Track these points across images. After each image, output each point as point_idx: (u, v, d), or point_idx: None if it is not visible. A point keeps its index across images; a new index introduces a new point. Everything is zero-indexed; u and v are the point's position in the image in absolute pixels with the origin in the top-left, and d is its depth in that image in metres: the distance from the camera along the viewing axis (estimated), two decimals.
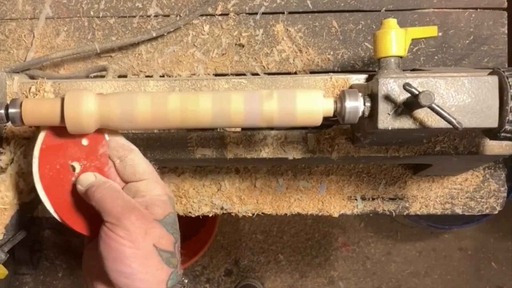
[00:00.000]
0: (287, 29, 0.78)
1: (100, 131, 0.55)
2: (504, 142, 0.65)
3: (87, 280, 0.55)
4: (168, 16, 0.79)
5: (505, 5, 0.77)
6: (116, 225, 0.49)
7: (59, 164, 0.55)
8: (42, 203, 0.56)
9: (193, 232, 1.83)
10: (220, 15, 0.78)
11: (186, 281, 0.53)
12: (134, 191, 0.54)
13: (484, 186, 0.83)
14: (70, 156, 0.55)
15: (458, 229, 1.87)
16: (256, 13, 0.78)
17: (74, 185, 0.55)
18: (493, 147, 0.66)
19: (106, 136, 0.55)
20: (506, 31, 0.77)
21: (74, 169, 0.55)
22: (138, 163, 0.55)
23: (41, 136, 0.55)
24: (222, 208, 0.84)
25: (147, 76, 0.79)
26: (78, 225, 0.56)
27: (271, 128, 0.68)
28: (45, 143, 0.55)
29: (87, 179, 0.54)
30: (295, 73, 0.78)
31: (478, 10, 0.77)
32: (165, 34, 0.77)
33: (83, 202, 0.54)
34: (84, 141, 0.55)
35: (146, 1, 0.79)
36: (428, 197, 0.84)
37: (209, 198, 0.84)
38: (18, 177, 0.63)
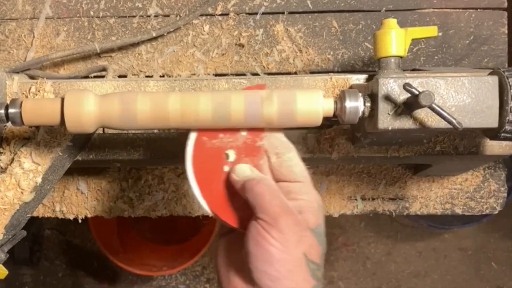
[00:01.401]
0: (287, 29, 0.78)
1: None
2: (504, 142, 0.65)
3: (222, 271, 0.53)
4: (168, 16, 0.79)
5: (505, 5, 0.77)
6: (271, 225, 0.47)
7: (214, 149, 0.54)
8: (190, 186, 0.54)
9: (193, 232, 1.83)
10: (220, 15, 0.78)
11: None
12: (285, 191, 0.51)
13: (484, 186, 0.83)
14: (227, 143, 0.54)
15: (458, 229, 1.87)
16: (256, 13, 0.78)
17: (224, 173, 0.53)
18: (493, 147, 0.66)
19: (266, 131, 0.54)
20: (506, 31, 0.77)
21: (228, 157, 0.54)
22: (296, 163, 0.53)
23: None
24: None
25: (147, 76, 0.79)
26: (224, 213, 0.54)
27: (271, 128, 0.68)
28: None
29: (243, 170, 0.52)
30: (295, 73, 0.78)
31: (478, 10, 0.77)
32: (165, 34, 0.77)
33: (231, 192, 0.53)
34: (243, 132, 0.54)
35: (146, 1, 0.79)
36: (428, 197, 0.84)
37: None
38: (18, 177, 0.63)
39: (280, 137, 0.54)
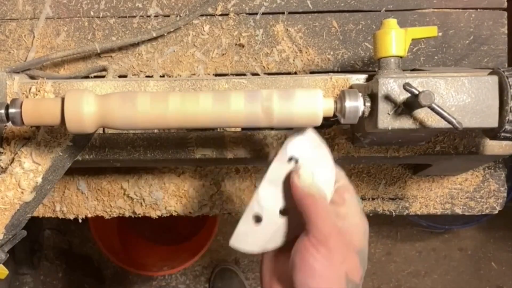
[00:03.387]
0: (287, 29, 0.78)
1: None
2: (504, 142, 0.65)
3: (265, 279, 0.55)
4: (168, 16, 0.79)
5: (505, 5, 0.77)
6: (320, 242, 0.49)
7: None
8: None
9: (193, 232, 1.83)
10: (220, 15, 0.78)
11: None
12: (334, 212, 0.53)
13: (484, 186, 0.83)
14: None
15: (458, 229, 1.88)
16: (256, 13, 0.78)
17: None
18: (493, 147, 0.66)
19: None
20: (506, 31, 0.77)
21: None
22: (347, 186, 0.55)
23: None
24: (222, 208, 0.84)
25: (147, 76, 0.79)
26: None
27: (271, 128, 0.68)
28: None
29: (306, 176, 0.52)
30: (295, 73, 0.78)
31: (478, 10, 0.77)
32: (165, 34, 0.78)
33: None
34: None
35: (146, 1, 0.79)
36: (428, 197, 0.84)
37: (209, 198, 0.84)
38: (19, 177, 0.63)
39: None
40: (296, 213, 0.52)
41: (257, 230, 0.54)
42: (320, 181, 0.53)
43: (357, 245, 0.52)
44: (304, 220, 0.51)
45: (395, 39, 0.56)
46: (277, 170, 0.54)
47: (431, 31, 0.60)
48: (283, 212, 0.54)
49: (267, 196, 0.54)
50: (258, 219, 0.54)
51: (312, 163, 0.53)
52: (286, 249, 0.53)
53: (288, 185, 0.53)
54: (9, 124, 0.55)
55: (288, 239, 0.54)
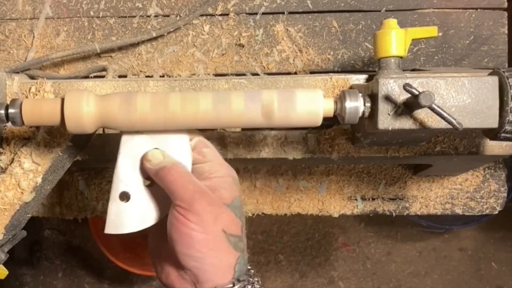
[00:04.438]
0: (287, 29, 0.78)
1: None
2: (504, 143, 0.65)
3: (155, 262, 0.55)
4: (168, 16, 0.79)
5: (505, 5, 0.77)
6: (187, 210, 0.49)
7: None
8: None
9: None
10: (220, 15, 0.78)
11: (251, 270, 0.53)
12: (199, 172, 0.54)
13: (484, 186, 0.83)
14: None
15: (458, 229, 1.88)
16: (256, 13, 0.78)
17: None
18: (493, 147, 0.66)
19: None
20: (506, 31, 0.77)
21: None
22: (202, 140, 0.55)
23: None
24: None
25: (147, 76, 0.79)
26: None
27: (271, 128, 0.68)
28: None
29: (155, 157, 0.53)
30: (295, 73, 0.78)
31: (478, 10, 0.77)
32: (165, 34, 0.77)
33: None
34: None
35: (146, 1, 0.79)
36: (428, 197, 0.84)
37: None
38: (18, 177, 0.63)
39: None
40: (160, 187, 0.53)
41: (129, 208, 0.53)
42: (174, 152, 0.53)
43: (227, 198, 0.52)
44: (167, 193, 0.51)
45: (395, 39, 0.56)
46: (128, 143, 0.54)
47: (431, 31, 0.60)
48: (148, 185, 0.54)
49: (128, 171, 0.54)
50: (126, 196, 0.54)
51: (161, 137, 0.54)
52: (161, 227, 0.53)
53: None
54: (9, 124, 0.54)
55: (164, 212, 0.54)
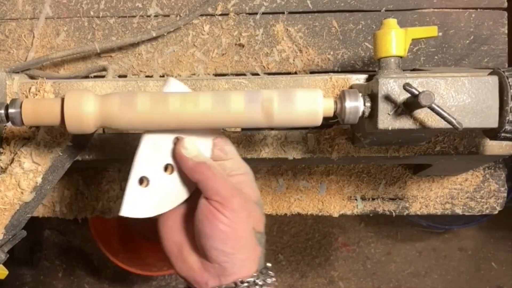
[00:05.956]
0: (287, 29, 0.78)
1: None
2: (504, 142, 0.65)
3: (172, 254, 0.55)
4: (168, 16, 0.79)
5: (505, 5, 0.77)
6: (224, 205, 0.50)
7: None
8: None
9: None
10: (220, 15, 0.78)
11: (268, 264, 0.55)
12: (222, 169, 0.54)
13: (484, 186, 0.83)
14: None
15: (458, 229, 1.88)
16: (256, 13, 0.78)
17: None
18: (493, 147, 0.66)
19: None
20: (506, 31, 0.77)
21: None
22: (224, 138, 0.56)
23: None
24: None
25: (147, 76, 0.79)
26: None
27: (271, 128, 0.68)
28: None
29: (191, 147, 0.53)
30: (295, 73, 0.78)
31: (478, 10, 0.77)
32: (165, 34, 0.77)
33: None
34: None
35: (146, 1, 0.79)
36: (428, 197, 0.84)
37: None
38: (18, 177, 0.63)
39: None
40: (182, 172, 0.53)
41: (147, 193, 0.54)
42: (202, 148, 0.54)
43: (253, 195, 0.54)
44: (201, 187, 0.51)
45: (395, 39, 0.56)
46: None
47: (431, 31, 0.60)
48: (167, 170, 0.54)
49: (149, 157, 0.54)
50: (144, 181, 0.54)
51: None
52: (187, 218, 0.54)
53: (167, 145, 0.54)
54: (9, 124, 0.54)
55: (177, 201, 0.54)
